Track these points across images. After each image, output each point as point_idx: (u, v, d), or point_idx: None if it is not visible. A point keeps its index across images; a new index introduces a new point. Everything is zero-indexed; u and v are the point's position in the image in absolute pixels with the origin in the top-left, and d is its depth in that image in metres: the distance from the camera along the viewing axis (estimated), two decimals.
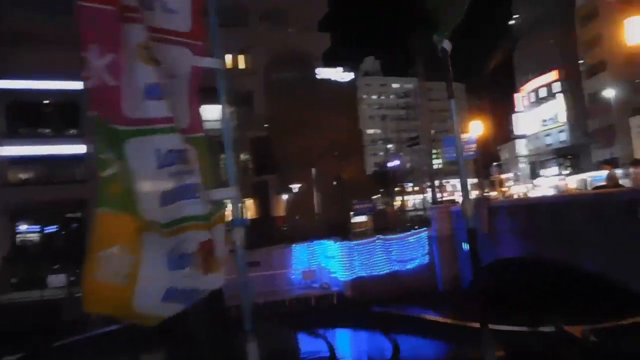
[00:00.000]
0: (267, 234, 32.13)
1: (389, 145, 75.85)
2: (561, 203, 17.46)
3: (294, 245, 31.07)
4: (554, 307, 21.65)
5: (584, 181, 55.05)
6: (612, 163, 41.27)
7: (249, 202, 37.98)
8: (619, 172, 50.95)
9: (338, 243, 28.90)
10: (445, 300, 26.49)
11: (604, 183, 19.60)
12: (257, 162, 37.59)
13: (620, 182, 21.16)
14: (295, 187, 37.92)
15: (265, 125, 36.77)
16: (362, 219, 41.44)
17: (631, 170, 19.07)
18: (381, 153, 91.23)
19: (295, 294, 28.63)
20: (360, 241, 29.21)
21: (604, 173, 43.84)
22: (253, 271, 28.01)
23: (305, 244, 31.28)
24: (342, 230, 32.64)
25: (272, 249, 29.57)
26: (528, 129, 74.78)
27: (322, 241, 31.15)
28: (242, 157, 37.70)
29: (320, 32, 43.58)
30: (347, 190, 34.68)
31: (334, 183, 34.99)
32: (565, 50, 63.14)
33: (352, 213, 38.57)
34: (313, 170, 35.16)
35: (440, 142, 45.11)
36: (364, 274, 28.01)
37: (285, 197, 40.76)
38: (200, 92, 3.32)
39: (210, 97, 3.61)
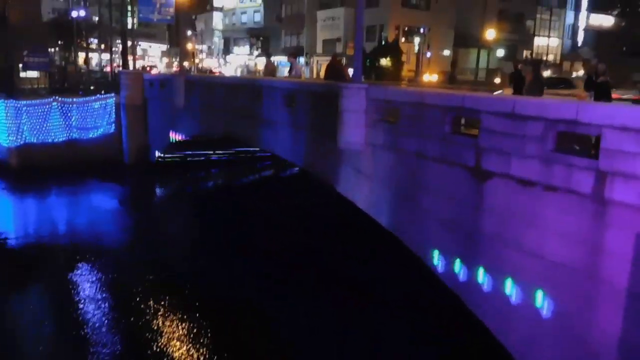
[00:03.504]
0: None
1: None
2: (242, 85, 17.46)
3: None
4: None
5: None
6: (268, 54, 43.22)
7: None
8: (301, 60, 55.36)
9: (1, 101, 23.76)
10: (129, 172, 25.13)
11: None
12: None
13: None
14: None
15: None
16: (34, 74, 35.20)
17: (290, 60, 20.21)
18: None
19: None
20: (31, 101, 24.65)
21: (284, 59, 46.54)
22: None
23: None
24: (6, 86, 26.99)
25: None
26: (226, 2, 74.25)
27: None
28: None
29: None
30: (14, 37, 28.25)
31: None
32: None
33: (20, 66, 32.20)
34: None
35: None
36: (34, 140, 24.04)
37: None
38: None
39: None
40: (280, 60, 48.93)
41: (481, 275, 8.08)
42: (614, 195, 6.16)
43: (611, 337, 6.21)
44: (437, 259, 9.03)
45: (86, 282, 13.95)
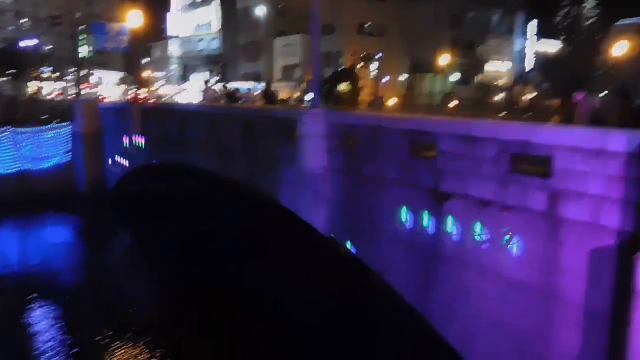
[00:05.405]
0: None
1: (23, 21, 63.55)
2: (197, 112, 17.25)
3: None
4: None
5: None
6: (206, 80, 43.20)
7: None
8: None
9: None
10: (85, 202, 24.36)
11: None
12: None
13: None
14: None
15: None
16: None
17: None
18: (12, 28, 76.38)
19: None
20: None
21: (248, 85, 46.76)
22: None
23: None
24: None
25: None
26: (182, 31, 74.11)
27: None
28: None
29: None
30: None
31: None
32: None
33: None
34: None
35: (88, 28, 39.94)
36: None
37: None
38: None
39: None
40: (240, 86, 48.85)
41: (442, 292, 8.14)
42: (567, 214, 6.33)
43: (570, 356, 6.29)
44: (398, 280, 9.07)
45: (38, 322, 13.27)
